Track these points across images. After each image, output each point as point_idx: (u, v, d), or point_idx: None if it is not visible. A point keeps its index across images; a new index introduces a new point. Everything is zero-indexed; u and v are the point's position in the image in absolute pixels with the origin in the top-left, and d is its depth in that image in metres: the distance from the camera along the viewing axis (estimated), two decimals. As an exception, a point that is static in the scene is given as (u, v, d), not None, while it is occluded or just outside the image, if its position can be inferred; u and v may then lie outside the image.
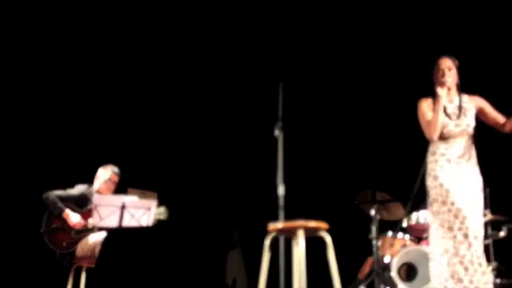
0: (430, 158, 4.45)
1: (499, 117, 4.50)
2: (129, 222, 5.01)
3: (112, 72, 7.09)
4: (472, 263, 4.15)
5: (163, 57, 7.17)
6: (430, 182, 4.42)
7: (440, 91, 4.41)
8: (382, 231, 5.71)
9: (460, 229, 4.19)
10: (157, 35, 7.05)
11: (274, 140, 4.74)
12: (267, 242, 3.98)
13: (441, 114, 4.37)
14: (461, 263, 4.17)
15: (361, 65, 7.07)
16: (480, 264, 4.16)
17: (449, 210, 4.25)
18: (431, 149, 4.48)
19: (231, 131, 7.20)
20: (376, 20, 6.84)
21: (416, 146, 4.65)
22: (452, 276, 4.17)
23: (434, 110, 4.40)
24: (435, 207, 4.36)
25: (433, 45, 6.56)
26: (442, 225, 4.27)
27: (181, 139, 7.26)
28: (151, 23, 6.97)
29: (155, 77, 7.24)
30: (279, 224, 4.07)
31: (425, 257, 5.32)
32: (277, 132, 4.75)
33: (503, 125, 4.46)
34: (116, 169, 5.62)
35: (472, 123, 4.45)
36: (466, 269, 4.15)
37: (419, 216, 5.66)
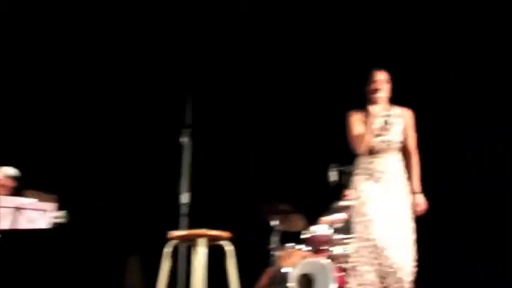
0: (355, 171, 4.46)
1: (409, 146, 4.45)
2: (25, 224, 4.84)
3: None
4: (383, 272, 4.21)
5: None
6: (352, 194, 4.46)
7: (372, 108, 4.32)
8: (283, 242, 5.78)
9: (368, 240, 4.24)
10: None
11: (181, 147, 4.72)
12: (168, 250, 3.95)
13: (372, 130, 4.31)
14: (375, 271, 4.22)
15: (264, 76, 7.16)
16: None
17: (362, 222, 4.29)
18: (357, 162, 4.45)
19: (136, 136, 7.08)
20: (290, 32, 6.95)
21: (318, 158, 4.75)
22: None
23: (366, 124, 4.33)
24: (353, 217, 4.43)
25: (339, 57, 6.78)
26: (357, 236, 4.34)
27: (86, 141, 7.09)
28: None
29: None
30: (181, 232, 4.05)
31: (323, 269, 5.44)
32: (184, 140, 4.74)
33: (406, 157, 4.43)
34: (9, 172, 5.32)
35: (397, 139, 4.38)
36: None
37: (318, 229, 5.77)
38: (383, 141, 4.36)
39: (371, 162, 4.37)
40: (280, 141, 7.10)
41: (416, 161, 4.46)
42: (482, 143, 6.36)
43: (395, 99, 4.74)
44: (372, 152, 4.37)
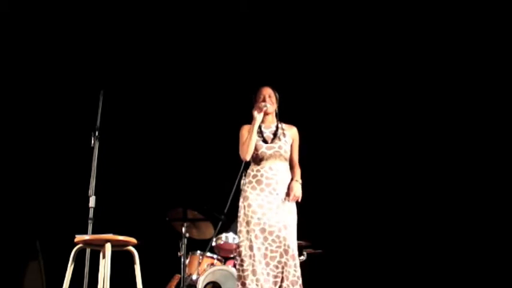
0: (244, 179, 4.61)
1: (293, 160, 4.75)
2: None
3: None
4: (267, 281, 4.34)
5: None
6: (240, 202, 4.58)
7: (256, 114, 4.59)
8: (191, 249, 5.79)
9: (259, 249, 4.37)
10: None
11: (91, 150, 4.63)
12: (72, 254, 3.88)
13: (255, 137, 4.56)
14: (257, 280, 4.33)
15: (179, 81, 7.17)
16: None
17: (253, 231, 4.42)
18: (247, 170, 4.64)
19: (46, 137, 6.87)
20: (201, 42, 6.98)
21: (229, 166, 4.80)
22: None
23: (249, 131, 4.59)
24: (240, 226, 4.52)
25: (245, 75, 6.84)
26: (244, 245, 4.43)
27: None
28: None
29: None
30: (87, 236, 3.98)
31: (230, 277, 5.49)
32: (93, 142, 4.66)
33: (291, 169, 4.71)
34: None
35: (286, 147, 4.64)
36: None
37: (228, 237, 5.82)
38: (272, 148, 4.59)
39: (260, 170, 4.57)
40: (191, 147, 7.11)
41: (299, 171, 4.72)
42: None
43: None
44: (261, 159, 4.59)
